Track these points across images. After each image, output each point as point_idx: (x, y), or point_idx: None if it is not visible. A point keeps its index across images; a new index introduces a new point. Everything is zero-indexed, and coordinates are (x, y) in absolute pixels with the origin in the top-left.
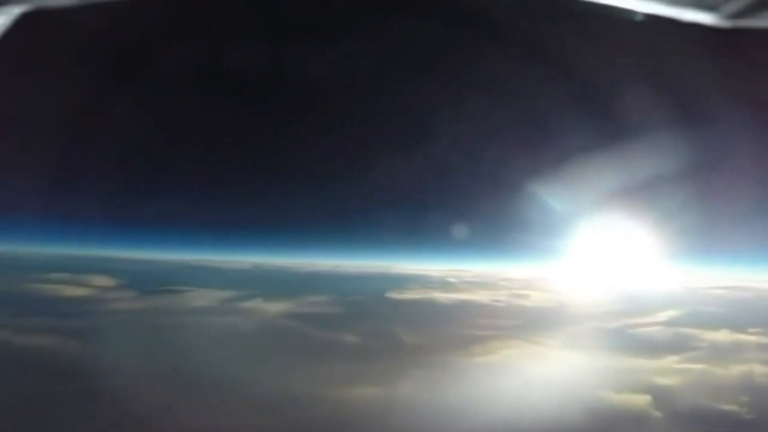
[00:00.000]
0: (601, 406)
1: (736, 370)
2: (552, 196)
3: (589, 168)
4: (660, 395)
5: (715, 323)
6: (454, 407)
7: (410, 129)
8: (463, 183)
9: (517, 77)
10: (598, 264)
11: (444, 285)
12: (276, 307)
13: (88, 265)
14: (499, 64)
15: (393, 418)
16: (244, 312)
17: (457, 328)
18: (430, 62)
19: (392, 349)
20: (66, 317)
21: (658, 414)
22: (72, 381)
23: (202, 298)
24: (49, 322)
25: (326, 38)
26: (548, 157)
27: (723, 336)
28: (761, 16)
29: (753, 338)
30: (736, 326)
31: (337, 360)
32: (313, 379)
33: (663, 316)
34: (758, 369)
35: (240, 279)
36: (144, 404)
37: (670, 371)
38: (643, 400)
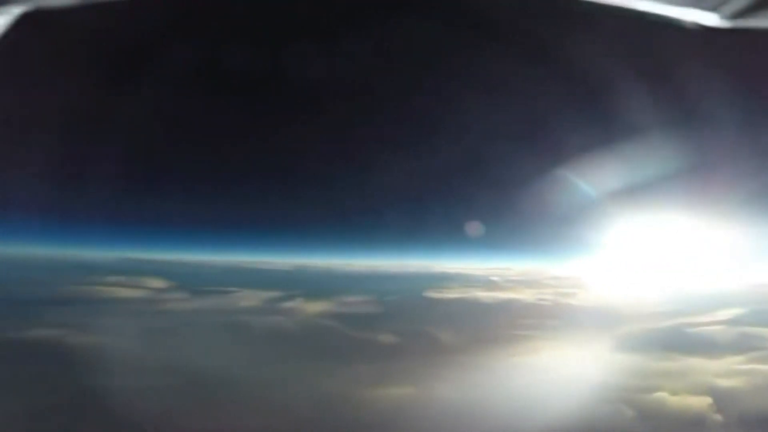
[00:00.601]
0: (655, 409)
1: None
2: (602, 190)
3: (638, 162)
4: (721, 397)
5: None
6: (496, 409)
7: (444, 126)
8: (506, 180)
9: (536, 75)
10: (652, 261)
11: (487, 284)
12: (316, 307)
13: (142, 268)
14: (514, 62)
15: (430, 419)
16: (287, 312)
17: (498, 328)
18: (441, 61)
19: (429, 348)
20: (125, 317)
21: (718, 417)
22: (131, 375)
23: (249, 298)
24: (109, 322)
25: (331, 38)
26: (596, 152)
27: None
28: (761, 16)
29: None
30: None
31: (375, 359)
32: (351, 379)
33: (725, 314)
34: None
35: (283, 280)
36: (190, 399)
37: (733, 372)
38: (702, 402)
